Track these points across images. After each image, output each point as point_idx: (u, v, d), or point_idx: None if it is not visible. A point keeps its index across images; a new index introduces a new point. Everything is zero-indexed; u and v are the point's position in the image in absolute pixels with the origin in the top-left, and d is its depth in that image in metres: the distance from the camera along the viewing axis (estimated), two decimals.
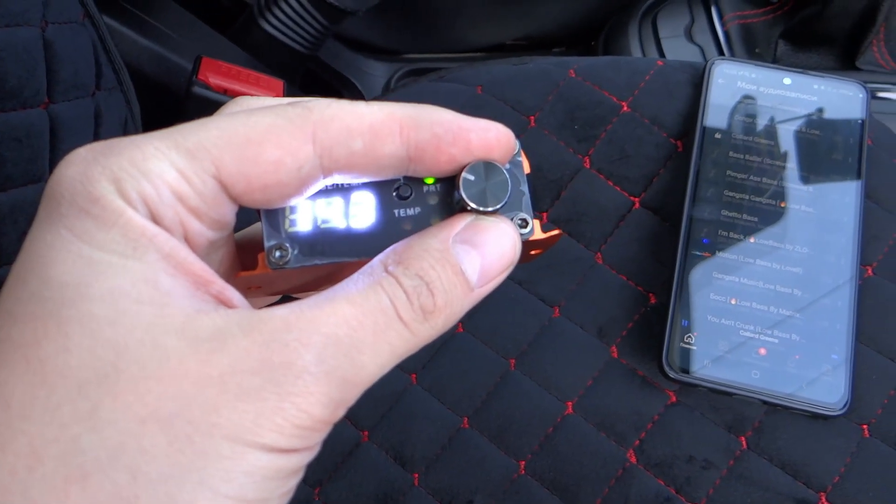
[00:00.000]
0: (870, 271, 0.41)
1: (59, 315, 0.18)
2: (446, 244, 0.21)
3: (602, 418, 0.39)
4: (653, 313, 0.41)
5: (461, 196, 0.22)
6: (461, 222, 0.21)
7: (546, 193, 0.45)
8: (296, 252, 0.22)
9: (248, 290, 0.24)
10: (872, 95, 0.58)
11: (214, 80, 0.48)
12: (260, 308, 0.20)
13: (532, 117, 0.46)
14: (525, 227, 0.23)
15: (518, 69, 0.48)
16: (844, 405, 0.37)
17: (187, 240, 0.20)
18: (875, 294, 0.40)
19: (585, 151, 0.45)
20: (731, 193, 0.42)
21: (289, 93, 0.53)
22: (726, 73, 0.45)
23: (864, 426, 0.38)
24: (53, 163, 0.41)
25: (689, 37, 0.65)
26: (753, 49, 0.63)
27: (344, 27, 0.72)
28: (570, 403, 0.40)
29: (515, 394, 0.41)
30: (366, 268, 0.21)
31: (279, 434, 0.18)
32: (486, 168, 0.22)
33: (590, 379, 0.41)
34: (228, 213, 0.21)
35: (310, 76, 0.72)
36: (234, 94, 0.50)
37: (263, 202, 0.21)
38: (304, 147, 0.20)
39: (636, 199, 0.44)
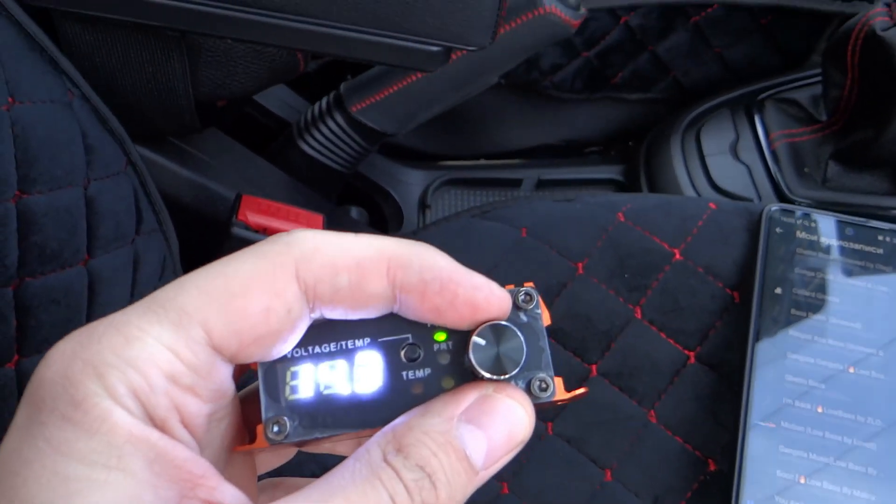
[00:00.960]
0: None
1: None
2: (450, 425, 0.19)
3: None
4: (713, 482, 0.39)
5: (472, 363, 0.20)
6: (467, 398, 0.20)
7: (595, 345, 0.43)
8: (295, 424, 0.20)
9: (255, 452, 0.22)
10: None
11: (254, 219, 0.47)
12: (273, 471, 0.19)
13: (580, 264, 0.45)
14: (545, 389, 0.21)
15: (564, 209, 0.47)
16: None
17: (184, 423, 0.19)
18: None
19: (637, 301, 0.43)
20: (794, 356, 0.39)
21: (328, 227, 0.52)
22: (784, 221, 0.43)
23: None
24: (90, 319, 0.40)
25: (735, 154, 0.64)
26: (802, 168, 0.61)
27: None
28: None
29: None
30: (362, 451, 0.19)
31: None
32: (497, 331, 0.20)
33: None
34: (226, 379, 0.20)
35: (346, 188, 0.71)
36: (273, 233, 0.49)
37: (259, 356, 0.20)
38: (290, 287, 0.19)
39: (691, 354, 0.42)
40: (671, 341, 0.43)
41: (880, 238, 0.42)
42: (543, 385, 0.21)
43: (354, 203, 0.73)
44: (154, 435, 0.18)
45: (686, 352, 0.42)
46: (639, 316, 0.43)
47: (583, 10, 0.54)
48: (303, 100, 0.70)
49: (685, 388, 0.41)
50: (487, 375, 0.20)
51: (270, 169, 0.60)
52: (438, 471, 0.19)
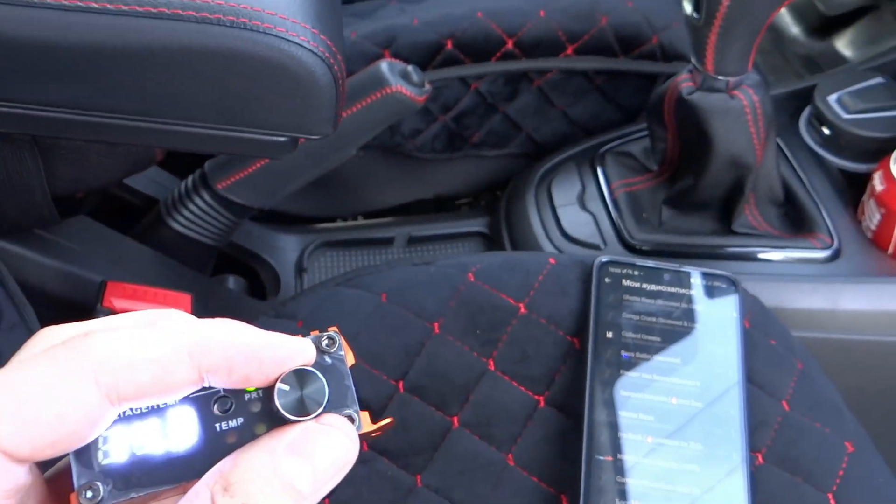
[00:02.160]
0: (760, 458, 0.43)
1: None
2: (274, 457, 0.20)
3: None
4: None
5: (277, 407, 0.21)
6: (291, 433, 0.21)
7: (454, 398, 0.46)
8: (109, 488, 0.20)
9: None
10: (750, 257, 0.63)
11: (119, 304, 0.48)
12: None
13: (436, 323, 0.48)
14: (352, 423, 0.22)
15: (420, 273, 0.51)
16: None
17: None
18: (767, 482, 0.43)
19: (489, 354, 0.47)
20: (626, 394, 0.44)
21: (196, 307, 0.54)
22: (611, 271, 0.48)
23: None
24: None
25: (582, 204, 0.70)
26: (641, 214, 0.67)
27: None
28: None
29: None
30: (192, 496, 0.20)
31: None
32: (299, 376, 0.22)
33: None
34: (20, 477, 0.20)
35: (221, 258, 0.73)
36: None
37: (58, 453, 0.20)
38: (86, 392, 0.19)
39: (541, 398, 0.46)
40: (522, 388, 0.47)
41: (692, 281, 0.48)
42: (349, 420, 0.22)
43: (231, 272, 0.74)
44: None
45: (536, 396, 0.46)
46: (492, 368, 0.47)
47: (427, 87, 0.59)
48: (169, 175, 0.71)
49: (537, 430, 0.45)
50: (293, 418, 0.22)
51: (139, 248, 0.61)
52: (265, 503, 0.20)
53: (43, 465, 0.22)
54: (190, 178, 0.63)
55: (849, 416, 0.46)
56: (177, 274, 0.63)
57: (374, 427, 0.23)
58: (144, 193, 0.68)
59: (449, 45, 0.71)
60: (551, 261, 0.51)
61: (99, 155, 0.45)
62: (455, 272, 0.50)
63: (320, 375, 0.22)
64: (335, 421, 0.22)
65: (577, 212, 0.69)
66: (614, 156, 0.71)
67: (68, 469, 0.23)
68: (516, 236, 0.72)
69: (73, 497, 0.21)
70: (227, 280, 0.73)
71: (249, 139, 0.42)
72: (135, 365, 0.20)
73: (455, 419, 0.46)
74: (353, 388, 0.23)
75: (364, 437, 0.23)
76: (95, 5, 0.37)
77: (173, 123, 0.41)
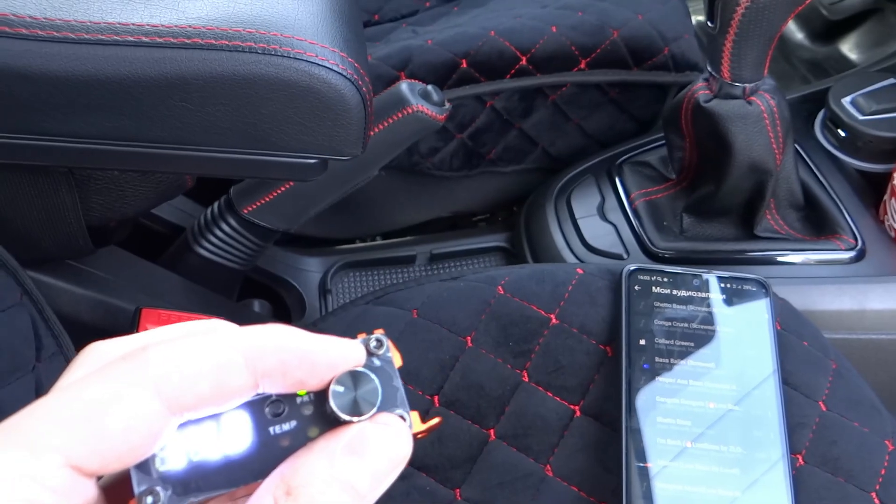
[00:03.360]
0: (800, 460, 0.43)
1: None
2: (333, 460, 0.21)
3: None
4: None
5: (332, 409, 0.22)
6: (346, 434, 0.21)
7: (490, 411, 0.47)
8: (169, 493, 0.21)
9: None
10: (773, 261, 0.63)
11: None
12: None
13: (468, 337, 0.49)
14: (403, 422, 0.22)
15: (450, 288, 0.51)
16: None
17: None
18: (809, 484, 0.43)
19: (522, 366, 0.48)
20: (663, 399, 0.44)
21: None
22: (641, 279, 0.48)
23: None
24: None
25: (603, 215, 0.70)
26: (662, 222, 0.68)
27: None
28: None
29: None
30: (254, 500, 0.20)
31: None
32: (354, 377, 0.22)
33: None
34: (89, 492, 0.20)
35: (246, 283, 0.73)
36: None
37: (124, 466, 0.20)
38: (149, 405, 0.20)
39: (576, 408, 0.46)
40: (557, 398, 0.47)
41: (722, 285, 0.48)
42: (401, 419, 0.23)
43: (256, 296, 0.75)
44: None
45: (571, 406, 0.46)
46: (526, 379, 0.47)
47: (447, 105, 0.59)
48: (195, 203, 0.72)
49: (574, 440, 0.46)
50: (347, 418, 0.22)
51: (167, 276, 0.62)
52: None
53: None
54: (216, 205, 0.64)
55: (886, 414, 0.46)
56: (205, 300, 0.63)
57: (425, 427, 0.24)
58: (170, 221, 0.68)
59: (464, 65, 0.72)
60: (579, 271, 0.51)
61: (132, 184, 0.46)
62: (484, 286, 0.51)
63: (373, 376, 0.23)
64: (389, 420, 0.22)
65: (597, 223, 0.70)
66: (632, 166, 0.72)
67: (123, 477, 0.23)
68: (538, 249, 0.72)
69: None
70: (253, 304, 0.74)
71: (281, 163, 0.43)
72: (194, 376, 0.20)
73: (491, 432, 0.46)
74: (402, 389, 0.23)
75: (415, 437, 0.23)
76: (131, 38, 0.38)
77: (207, 150, 0.42)
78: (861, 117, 0.68)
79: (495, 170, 0.81)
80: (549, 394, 0.47)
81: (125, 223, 0.52)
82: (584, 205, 0.71)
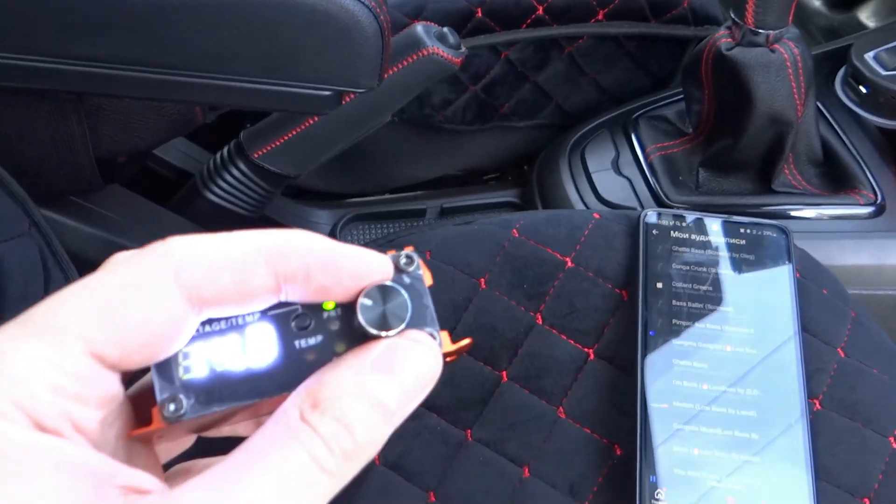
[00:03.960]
0: (818, 404, 0.43)
1: None
2: (361, 376, 0.20)
3: None
4: (620, 465, 0.42)
5: (360, 322, 0.21)
6: (375, 349, 0.21)
7: (503, 353, 0.46)
8: (192, 402, 0.20)
9: (151, 441, 0.22)
10: (790, 215, 0.62)
11: None
12: (176, 458, 0.19)
13: (482, 279, 0.48)
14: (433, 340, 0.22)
15: (464, 231, 0.50)
16: None
17: (78, 429, 0.19)
18: (826, 427, 0.42)
19: (537, 308, 0.47)
20: (679, 342, 0.43)
21: None
22: (658, 223, 0.48)
23: None
24: None
25: (617, 169, 0.69)
26: (677, 177, 0.67)
27: None
28: None
29: None
30: (280, 415, 0.20)
31: None
32: (383, 291, 0.21)
33: None
34: (113, 386, 0.20)
35: None
36: None
37: (145, 361, 0.20)
38: (171, 295, 0.19)
39: (590, 351, 0.46)
40: (571, 341, 0.46)
41: (742, 231, 0.47)
42: (430, 338, 0.22)
43: None
44: (52, 441, 0.18)
45: (585, 349, 0.46)
46: (540, 321, 0.47)
47: (463, 49, 0.58)
48: (203, 150, 0.71)
49: (588, 382, 0.45)
50: (375, 332, 0.21)
51: (175, 219, 0.61)
52: (355, 420, 0.19)
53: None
54: (225, 149, 0.63)
55: None
56: None
57: (455, 347, 0.23)
58: (179, 167, 0.68)
59: (479, 13, 0.70)
60: (596, 216, 0.50)
61: (142, 116, 0.45)
62: (499, 229, 0.50)
63: (403, 291, 0.22)
64: (419, 336, 0.22)
65: (612, 177, 0.69)
66: (648, 120, 0.71)
67: (149, 389, 0.23)
68: (550, 203, 0.71)
69: (155, 411, 0.20)
70: None
71: (295, 94, 0.42)
72: (215, 266, 0.20)
73: (504, 373, 0.46)
74: (433, 308, 0.22)
75: (445, 357, 0.23)
76: None
77: (219, 78, 0.41)
78: (884, 72, 0.66)
79: (508, 124, 0.80)
80: (562, 336, 0.46)
81: (134, 159, 0.52)
82: (599, 159, 0.70)
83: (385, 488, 0.43)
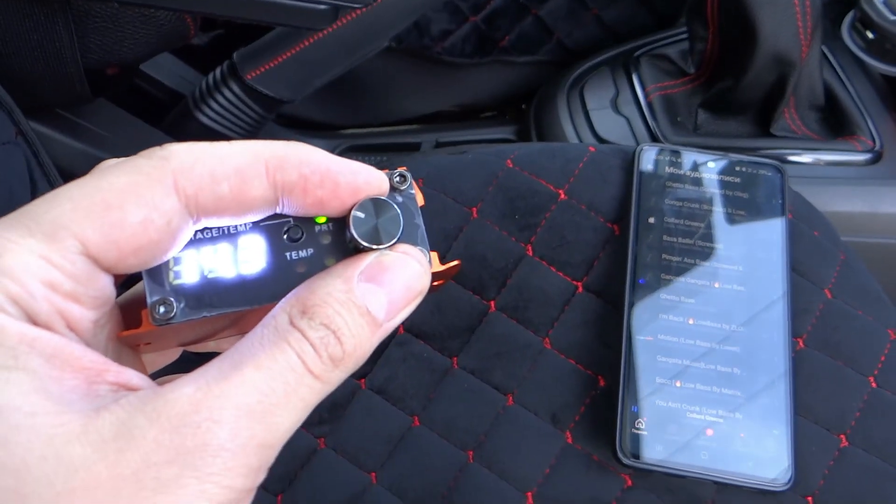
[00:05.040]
0: (801, 343, 0.43)
1: None
2: (350, 285, 0.20)
3: None
4: (602, 396, 0.43)
5: (352, 235, 0.21)
6: (365, 260, 0.21)
7: (492, 283, 0.46)
8: (182, 306, 0.21)
9: (139, 347, 0.23)
10: (787, 160, 0.62)
11: None
12: (162, 370, 0.19)
13: (474, 208, 0.48)
14: None
15: (457, 160, 0.50)
16: (789, 479, 0.38)
17: (70, 327, 0.19)
18: (808, 365, 0.42)
19: (527, 239, 0.47)
20: (667, 277, 0.43)
21: None
22: (654, 158, 0.47)
23: (809, 498, 0.39)
24: None
25: (616, 108, 0.68)
26: (676, 118, 0.66)
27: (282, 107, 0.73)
28: (529, 494, 0.41)
29: (476, 487, 0.41)
30: (269, 319, 0.20)
31: None
32: (376, 204, 0.22)
33: (547, 467, 0.41)
34: (106, 287, 0.20)
35: None
36: None
37: (139, 265, 0.20)
38: (168, 200, 0.19)
39: (579, 284, 0.46)
40: (560, 274, 0.46)
41: (738, 168, 0.47)
42: None
43: None
44: (45, 334, 0.18)
45: (574, 282, 0.46)
46: (530, 253, 0.47)
47: None
48: (195, 72, 0.70)
49: (575, 315, 0.45)
50: (366, 245, 0.21)
51: (166, 140, 0.60)
52: (343, 327, 0.20)
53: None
54: (218, 70, 0.62)
55: (891, 306, 0.45)
56: None
57: (444, 267, 0.23)
58: (171, 88, 0.66)
59: None
60: (591, 149, 0.50)
61: (134, 24, 0.44)
62: (493, 159, 0.49)
63: (396, 206, 0.22)
64: (409, 249, 0.22)
65: (610, 115, 0.68)
66: (650, 59, 0.70)
67: (139, 297, 0.23)
68: (547, 140, 0.70)
69: (145, 313, 0.20)
70: None
71: (290, 6, 0.41)
72: (215, 173, 0.20)
73: (492, 303, 0.46)
74: (423, 228, 0.23)
75: (434, 278, 0.23)
76: None
77: None
78: (892, 17, 0.65)
79: (508, 59, 0.78)
80: (552, 268, 0.46)
81: (125, 72, 0.50)
82: (598, 97, 0.69)
83: (370, 411, 0.44)
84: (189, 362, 0.27)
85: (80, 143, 0.52)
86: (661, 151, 0.47)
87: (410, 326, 0.45)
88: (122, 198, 0.19)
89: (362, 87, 0.79)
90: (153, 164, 0.20)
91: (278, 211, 0.21)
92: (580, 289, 0.46)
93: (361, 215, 0.21)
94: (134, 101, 0.64)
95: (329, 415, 0.44)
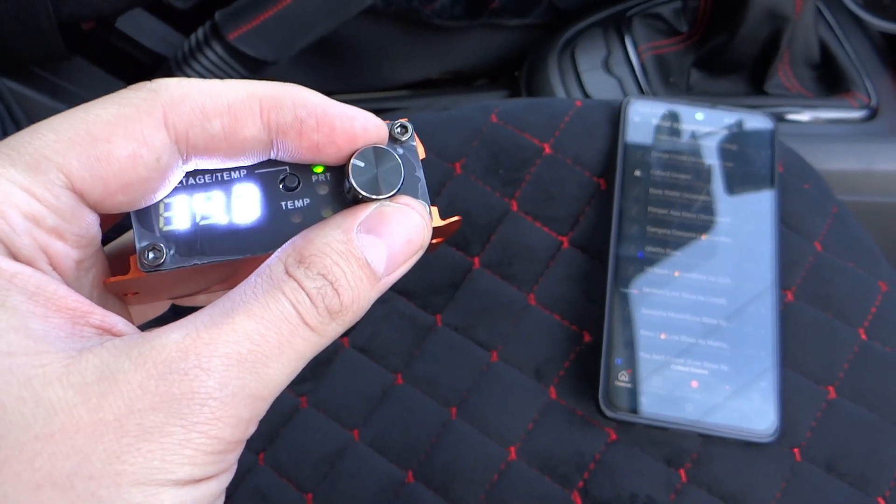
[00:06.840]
0: (790, 296, 0.42)
1: None
2: (349, 235, 0.20)
3: (545, 462, 0.40)
4: (587, 351, 0.42)
5: (351, 184, 0.20)
6: (365, 210, 0.20)
7: (476, 238, 0.45)
8: (172, 252, 0.20)
9: (126, 297, 0.22)
10: (781, 118, 0.61)
11: None
12: (149, 324, 0.19)
13: (458, 164, 0.47)
14: None
15: (441, 116, 0.49)
16: (775, 431, 0.38)
17: (53, 266, 0.18)
18: (796, 318, 0.42)
19: (512, 195, 0.46)
20: (653, 230, 0.43)
21: None
22: (641, 111, 0.46)
23: (796, 450, 0.39)
24: None
25: (607, 68, 0.67)
26: (668, 78, 0.65)
27: (267, 71, 0.71)
28: (512, 448, 0.40)
29: (459, 443, 0.41)
30: (263, 268, 0.19)
31: (192, 465, 0.17)
32: (377, 153, 0.21)
33: (530, 422, 0.41)
34: (92, 225, 0.19)
35: None
36: None
37: (127, 204, 0.19)
38: (158, 134, 0.18)
39: (564, 239, 0.45)
40: (545, 229, 0.45)
41: (726, 120, 0.46)
42: None
43: None
44: (27, 270, 0.17)
45: (559, 237, 0.45)
46: (514, 208, 0.46)
47: None
48: (178, 34, 0.68)
49: (560, 270, 0.44)
50: (365, 194, 0.20)
51: None
52: (341, 278, 0.19)
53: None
54: (201, 30, 0.61)
55: (883, 259, 0.44)
56: None
57: (445, 222, 0.22)
58: (153, 50, 0.65)
59: None
60: (577, 103, 0.48)
61: None
62: (478, 114, 0.48)
63: (396, 156, 0.21)
64: (410, 201, 0.21)
65: (601, 76, 0.67)
66: (642, 18, 0.68)
67: (127, 246, 0.22)
68: None
69: (133, 259, 0.20)
70: None
71: None
72: (207, 109, 0.19)
73: (476, 259, 0.45)
74: (424, 181, 0.22)
75: (433, 233, 0.22)
76: None
77: None
78: None
79: (498, 22, 0.77)
80: (537, 224, 0.45)
81: (101, 27, 0.49)
82: (589, 58, 0.68)
83: (353, 369, 0.43)
84: (178, 317, 0.26)
85: (58, 103, 0.52)
86: (647, 104, 0.46)
87: (394, 284, 0.45)
88: (110, 130, 0.18)
89: (350, 54, 0.77)
90: (142, 97, 0.19)
91: (273, 157, 0.20)
92: (565, 244, 0.45)
93: (361, 164, 0.20)
94: (115, 62, 0.63)
95: (311, 373, 0.43)
